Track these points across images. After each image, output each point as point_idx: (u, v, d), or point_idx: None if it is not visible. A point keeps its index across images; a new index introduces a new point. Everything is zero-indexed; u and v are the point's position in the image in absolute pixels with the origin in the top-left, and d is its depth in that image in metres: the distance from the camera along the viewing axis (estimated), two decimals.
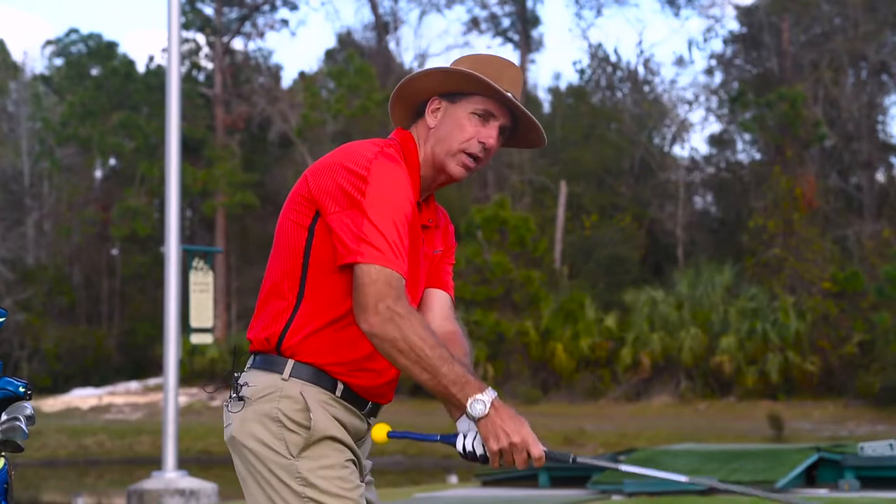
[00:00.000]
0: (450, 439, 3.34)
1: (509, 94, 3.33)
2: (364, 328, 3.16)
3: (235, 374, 3.41)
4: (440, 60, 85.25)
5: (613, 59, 53.15)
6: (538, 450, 3.18)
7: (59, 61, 55.10)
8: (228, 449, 3.41)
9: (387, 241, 3.15)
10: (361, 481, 3.36)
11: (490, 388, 3.19)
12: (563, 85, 54.35)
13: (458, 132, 3.30)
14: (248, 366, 3.42)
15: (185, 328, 16.56)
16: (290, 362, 3.32)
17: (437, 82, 3.37)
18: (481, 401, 3.16)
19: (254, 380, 3.35)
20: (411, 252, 3.28)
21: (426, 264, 3.43)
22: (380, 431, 3.31)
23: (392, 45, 53.36)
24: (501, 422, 3.17)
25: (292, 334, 3.32)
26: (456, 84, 3.34)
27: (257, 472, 3.30)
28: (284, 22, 53.46)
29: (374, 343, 3.17)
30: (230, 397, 3.38)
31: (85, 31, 54.06)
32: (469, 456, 3.29)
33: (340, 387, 3.30)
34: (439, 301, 3.52)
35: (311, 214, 3.26)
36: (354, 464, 3.32)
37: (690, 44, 59.37)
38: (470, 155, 3.31)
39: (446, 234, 3.53)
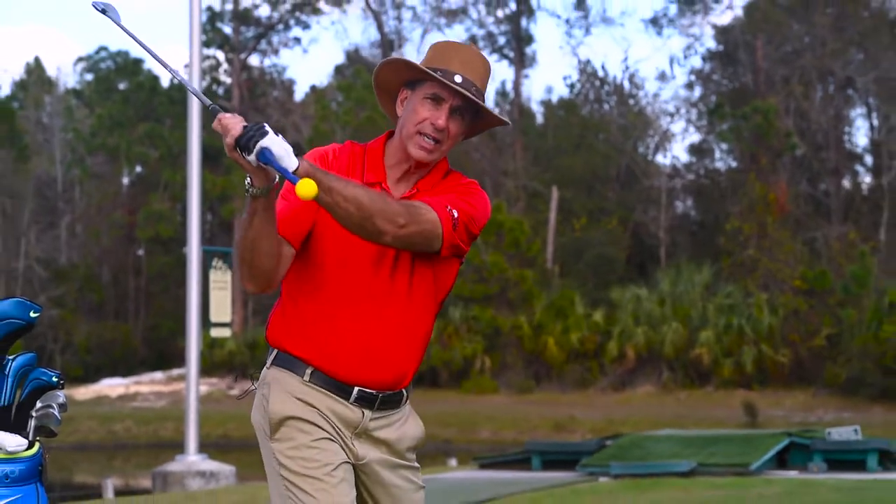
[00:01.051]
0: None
1: (457, 77, 3.24)
2: None
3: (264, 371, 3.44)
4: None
5: (601, 74, 53.22)
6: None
7: (89, 77, 55.13)
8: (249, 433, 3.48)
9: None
10: (356, 461, 3.28)
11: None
12: (554, 98, 54.43)
13: (413, 116, 3.27)
14: None
15: (206, 323, 16.58)
16: (274, 352, 3.34)
17: (397, 73, 3.35)
18: None
19: (262, 370, 3.40)
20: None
21: None
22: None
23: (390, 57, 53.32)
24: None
25: (271, 325, 3.37)
26: (409, 73, 3.32)
27: (261, 450, 3.35)
28: (297, 40, 53.50)
29: None
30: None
31: (113, 48, 53.98)
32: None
33: (308, 371, 3.24)
34: None
35: None
36: (332, 442, 3.24)
37: (672, 60, 59.56)
38: (425, 136, 3.26)
39: (437, 187, 3.36)
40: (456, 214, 3.22)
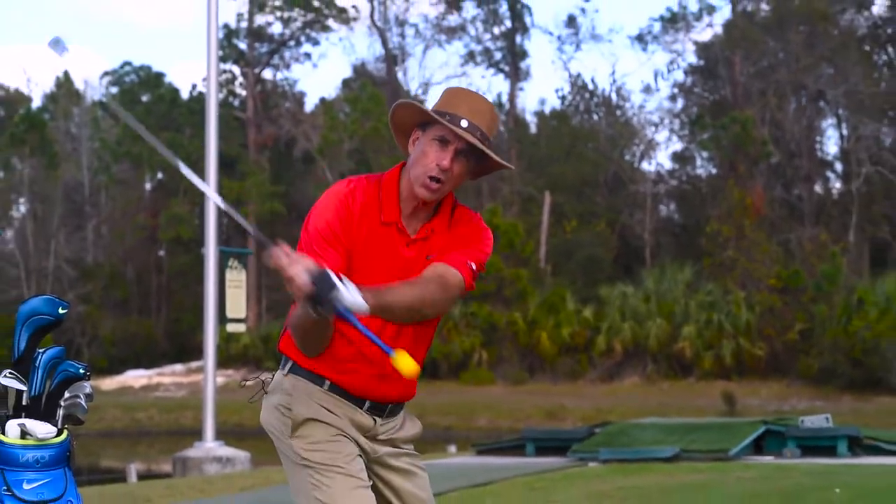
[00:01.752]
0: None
1: (464, 122, 3.25)
2: None
3: (271, 375, 3.45)
4: (441, 88, 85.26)
5: (590, 87, 53.19)
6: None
7: (114, 89, 55.10)
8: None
9: (312, 249, 3.20)
10: (370, 455, 3.38)
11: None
12: (547, 109, 54.38)
13: (422, 157, 3.28)
14: None
15: (222, 318, 16.57)
16: (290, 362, 3.38)
17: (410, 114, 3.36)
18: None
19: (274, 376, 3.43)
20: (381, 252, 3.28)
21: (405, 265, 3.31)
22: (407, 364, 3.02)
23: (400, 75, 53.33)
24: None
25: (285, 340, 3.39)
26: (421, 116, 3.33)
27: (277, 449, 3.40)
28: (307, 55, 53.51)
29: None
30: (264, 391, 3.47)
31: (136, 63, 54.00)
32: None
33: (327, 383, 3.32)
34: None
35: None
36: (348, 440, 3.33)
37: (656, 74, 59.32)
38: (430, 177, 3.27)
39: (453, 231, 3.40)
40: (474, 267, 3.34)
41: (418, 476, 3.45)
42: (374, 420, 3.36)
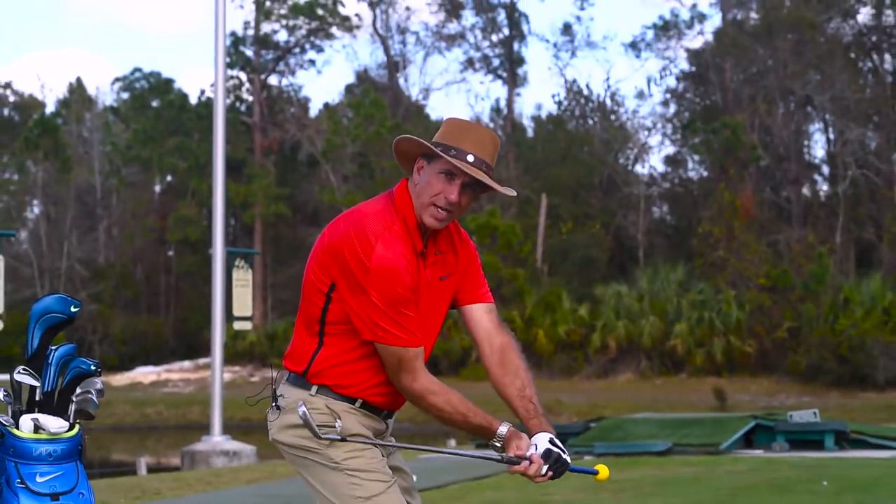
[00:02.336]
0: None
1: (470, 157, 3.27)
2: (397, 386, 3.37)
3: (273, 388, 3.45)
4: (441, 94, 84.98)
5: (585, 92, 53.17)
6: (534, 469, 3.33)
7: (125, 95, 55.10)
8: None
9: (396, 325, 3.26)
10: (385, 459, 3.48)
11: (505, 421, 3.39)
12: (543, 114, 54.36)
13: (429, 189, 3.29)
14: (283, 380, 3.49)
15: (229, 317, 16.56)
16: (315, 386, 3.41)
17: (416, 147, 3.36)
18: (500, 434, 3.37)
19: (287, 393, 3.43)
20: (417, 291, 3.34)
21: (433, 293, 3.41)
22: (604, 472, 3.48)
23: (401, 81, 53.35)
24: (513, 446, 3.35)
25: (315, 369, 3.40)
26: (426, 150, 3.34)
27: (300, 463, 3.42)
28: (312, 62, 53.49)
29: (406, 397, 3.41)
30: (271, 406, 3.46)
31: (147, 69, 53.97)
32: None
33: (359, 402, 3.41)
34: (482, 314, 3.57)
35: (329, 283, 3.31)
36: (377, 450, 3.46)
37: (649, 80, 59.15)
38: (438, 208, 3.29)
39: (460, 253, 3.48)
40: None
41: (399, 456, 3.59)
42: (387, 424, 3.51)
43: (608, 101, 52.50)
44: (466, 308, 3.56)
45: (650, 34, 50.89)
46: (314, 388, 3.39)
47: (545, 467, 3.26)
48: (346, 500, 3.32)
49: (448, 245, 3.45)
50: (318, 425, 3.34)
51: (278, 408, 3.42)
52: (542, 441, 3.29)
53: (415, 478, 3.65)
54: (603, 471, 3.40)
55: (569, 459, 3.31)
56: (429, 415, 3.42)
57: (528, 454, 3.28)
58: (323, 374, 3.38)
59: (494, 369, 3.49)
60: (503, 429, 3.33)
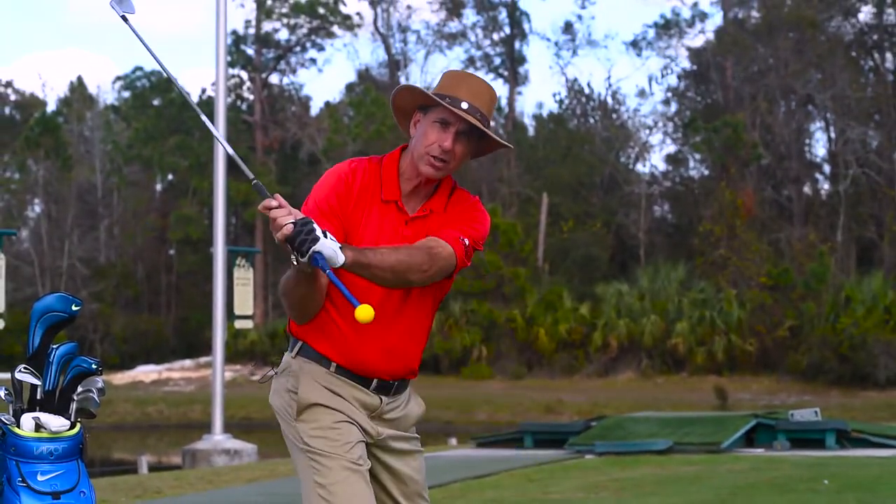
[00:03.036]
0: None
1: (464, 104, 3.25)
2: None
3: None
4: None
5: (587, 91, 53.15)
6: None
7: (126, 94, 55.10)
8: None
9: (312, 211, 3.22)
10: (374, 438, 3.35)
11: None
12: (545, 113, 54.33)
13: (423, 139, 3.29)
14: None
15: (230, 315, 16.57)
16: (299, 343, 3.35)
17: (411, 98, 3.36)
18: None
19: (283, 358, 3.42)
20: (380, 230, 3.28)
21: (403, 243, 3.28)
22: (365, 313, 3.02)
23: (402, 80, 53.33)
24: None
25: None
26: (422, 99, 3.33)
27: (283, 431, 3.38)
28: (313, 60, 53.49)
29: None
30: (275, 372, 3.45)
31: (148, 68, 53.94)
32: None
33: (333, 365, 3.30)
34: None
35: None
36: (351, 425, 3.29)
37: (650, 79, 59.31)
38: (433, 156, 3.27)
39: (448, 211, 3.40)
40: (467, 243, 3.31)
41: (415, 458, 3.44)
42: (381, 399, 3.34)
43: (609, 100, 52.51)
44: None
45: (651, 33, 50.89)
46: (296, 347, 3.34)
47: (292, 221, 2.96)
48: (306, 482, 3.27)
49: (442, 207, 3.39)
50: (287, 390, 3.30)
51: (275, 373, 3.41)
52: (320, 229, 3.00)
53: (427, 495, 3.48)
54: (365, 310, 2.93)
55: (326, 249, 2.94)
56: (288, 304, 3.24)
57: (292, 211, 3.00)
58: (304, 329, 3.32)
59: None
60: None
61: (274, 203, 3.02)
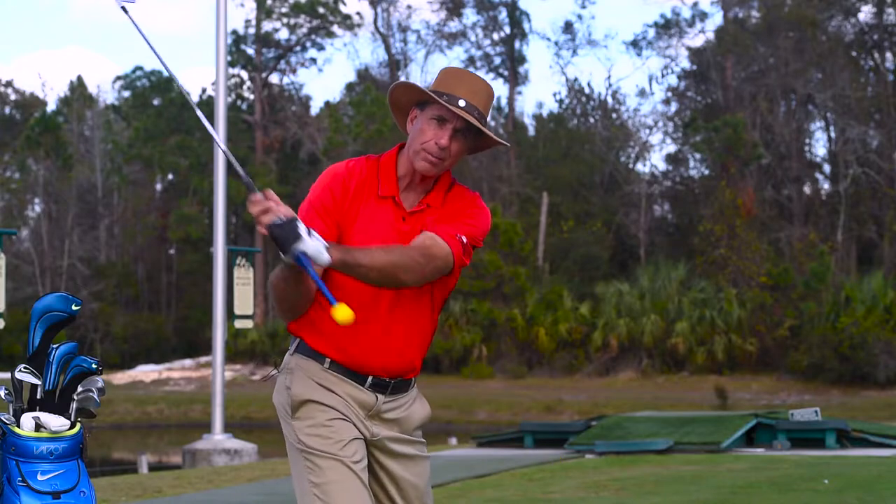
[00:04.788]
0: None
1: (461, 102, 3.25)
2: None
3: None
4: None
5: (587, 91, 53.18)
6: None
7: (126, 93, 55.11)
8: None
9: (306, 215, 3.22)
10: (368, 438, 3.31)
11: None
12: (545, 112, 54.35)
13: (420, 135, 3.28)
14: None
15: (231, 315, 16.55)
16: (297, 340, 3.34)
17: (409, 94, 3.35)
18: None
19: (285, 357, 3.41)
20: (377, 226, 3.26)
21: (400, 239, 3.26)
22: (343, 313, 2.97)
23: (402, 80, 53.30)
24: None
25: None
26: (420, 95, 3.33)
27: (282, 428, 3.37)
28: (313, 60, 53.48)
29: None
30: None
31: (148, 68, 53.96)
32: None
33: (328, 360, 3.27)
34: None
35: None
36: (346, 422, 3.26)
37: (650, 79, 59.46)
38: (429, 153, 3.27)
39: (446, 205, 3.37)
40: (465, 240, 3.27)
41: (418, 463, 3.39)
42: (377, 397, 3.29)
43: (609, 100, 52.53)
44: None
45: (651, 32, 50.93)
46: (294, 345, 3.33)
47: (276, 218, 2.91)
48: (301, 481, 3.25)
49: (439, 202, 3.36)
50: (286, 388, 3.29)
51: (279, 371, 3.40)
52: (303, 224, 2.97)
53: (431, 501, 3.42)
54: (342, 310, 2.88)
55: (310, 247, 2.90)
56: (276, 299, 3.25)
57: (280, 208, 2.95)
58: (301, 321, 3.31)
59: None
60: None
61: (260, 197, 2.99)
